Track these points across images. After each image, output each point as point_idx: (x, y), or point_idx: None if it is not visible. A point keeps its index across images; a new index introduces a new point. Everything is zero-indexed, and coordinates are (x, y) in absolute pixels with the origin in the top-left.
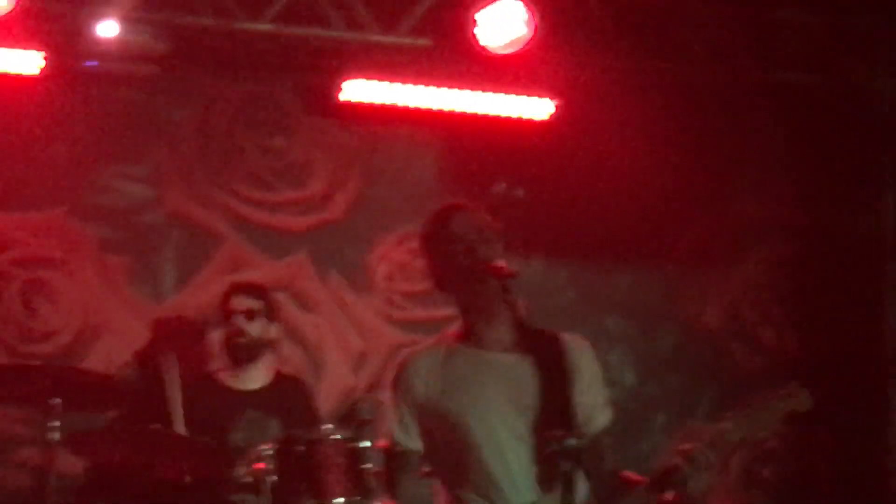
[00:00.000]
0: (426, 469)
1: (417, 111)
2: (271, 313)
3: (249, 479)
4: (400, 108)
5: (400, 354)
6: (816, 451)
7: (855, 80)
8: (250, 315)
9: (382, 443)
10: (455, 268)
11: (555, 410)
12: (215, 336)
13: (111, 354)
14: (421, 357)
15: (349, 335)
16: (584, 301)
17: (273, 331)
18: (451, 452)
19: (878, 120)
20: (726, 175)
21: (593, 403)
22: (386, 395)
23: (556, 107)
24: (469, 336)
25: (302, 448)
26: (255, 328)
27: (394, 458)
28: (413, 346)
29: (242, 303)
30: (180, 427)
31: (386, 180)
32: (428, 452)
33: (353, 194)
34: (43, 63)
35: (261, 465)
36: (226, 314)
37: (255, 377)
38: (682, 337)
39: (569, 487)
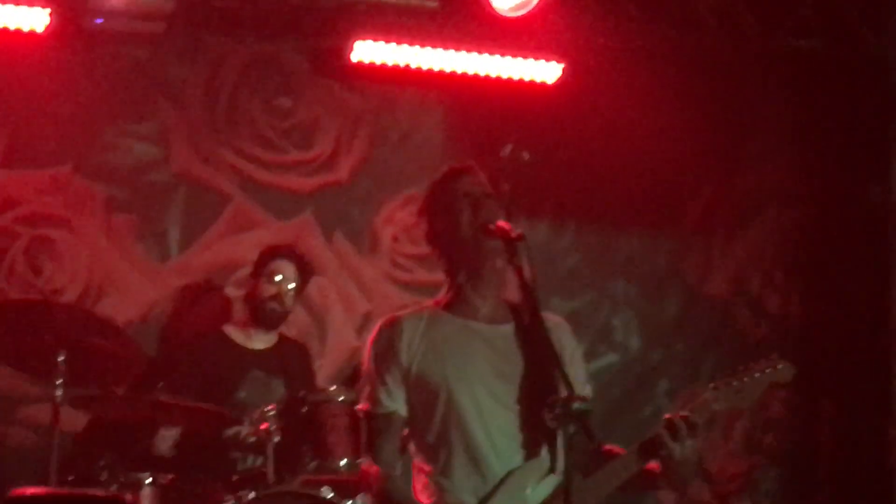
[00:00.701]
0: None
1: (424, 73)
2: (302, 288)
3: (253, 440)
4: (407, 69)
5: (380, 319)
6: (819, 420)
7: (863, 47)
8: (294, 289)
9: (364, 405)
10: (455, 227)
11: (540, 382)
12: (233, 292)
13: (116, 313)
14: (404, 321)
15: (354, 297)
16: (590, 265)
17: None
18: (432, 417)
19: (886, 88)
20: (734, 141)
21: (575, 379)
22: (366, 358)
23: (564, 70)
24: (455, 303)
25: (306, 409)
26: (291, 301)
27: (376, 420)
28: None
29: (291, 274)
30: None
31: (392, 142)
32: (409, 417)
33: (360, 156)
34: (49, 20)
35: (265, 426)
36: (268, 274)
37: (264, 338)
38: (687, 303)
39: (568, 450)
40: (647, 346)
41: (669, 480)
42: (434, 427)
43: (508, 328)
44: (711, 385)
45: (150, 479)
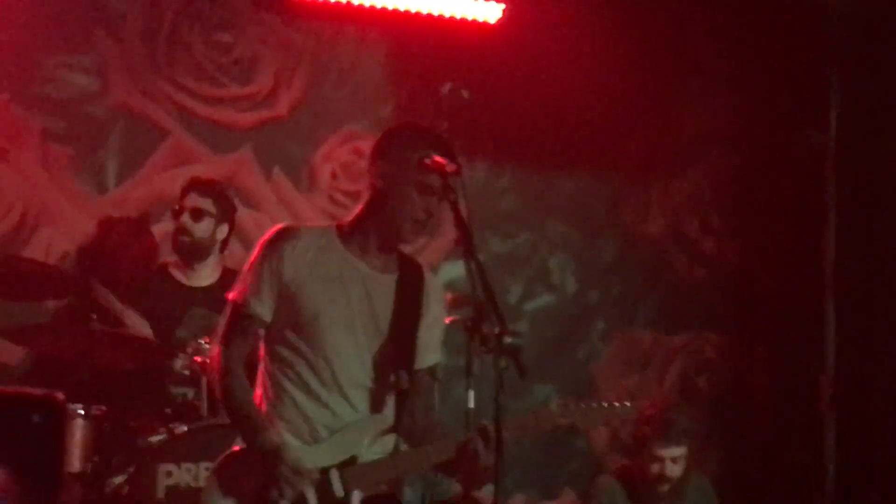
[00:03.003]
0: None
1: (366, 10)
2: (222, 214)
3: (187, 372)
4: (349, 6)
5: (282, 223)
6: (752, 363)
7: None
8: (198, 215)
9: (235, 296)
10: (394, 180)
11: (400, 336)
12: (164, 229)
13: (51, 244)
14: (302, 235)
15: None
16: (527, 206)
17: (222, 231)
18: (290, 338)
19: (826, 34)
20: (673, 85)
21: (431, 342)
22: (254, 254)
23: (505, 10)
24: (353, 233)
25: None
26: (201, 229)
27: (240, 316)
28: None
29: (192, 201)
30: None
31: (332, 79)
32: (271, 324)
33: (300, 92)
34: None
35: (199, 359)
36: (178, 210)
37: (203, 275)
38: (624, 245)
39: (501, 387)
40: (584, 287)
41: (465, 480)
42: (288, 347)
43: (391, 278)
44: (561, 402)
45: (83, 411)
